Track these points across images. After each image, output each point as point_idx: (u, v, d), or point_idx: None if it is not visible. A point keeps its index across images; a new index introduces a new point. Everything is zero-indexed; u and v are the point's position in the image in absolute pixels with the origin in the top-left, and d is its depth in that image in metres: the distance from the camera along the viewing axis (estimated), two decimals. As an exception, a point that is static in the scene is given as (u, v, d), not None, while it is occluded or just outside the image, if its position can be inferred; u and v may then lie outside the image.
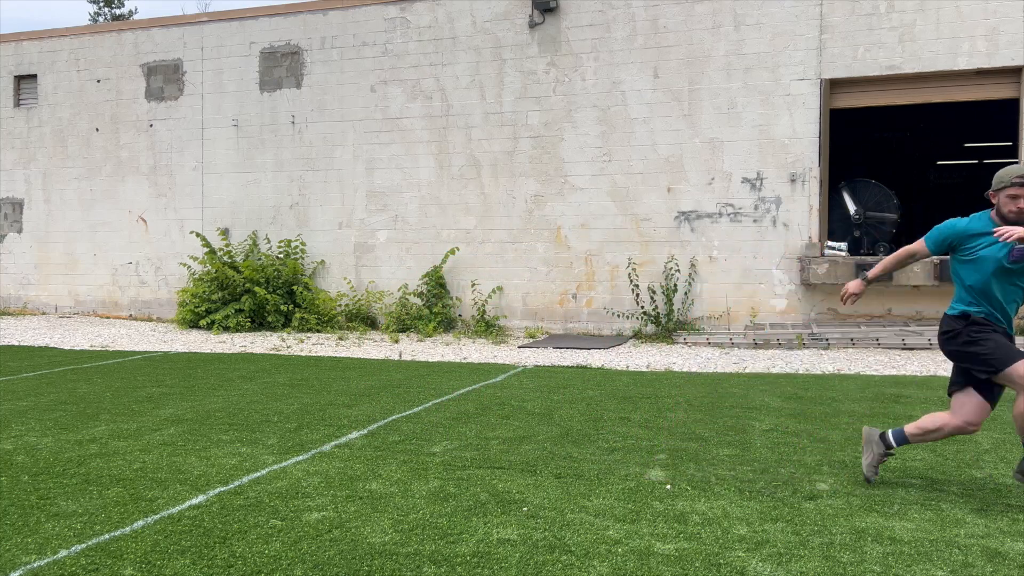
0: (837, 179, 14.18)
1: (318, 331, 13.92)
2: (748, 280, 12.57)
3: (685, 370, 9.69)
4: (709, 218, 12.74)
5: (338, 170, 14.78)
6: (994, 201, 4.38)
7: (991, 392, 4.37)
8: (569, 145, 13.38)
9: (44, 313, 16.90)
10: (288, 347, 11.99)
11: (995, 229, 4.10)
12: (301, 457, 5.53)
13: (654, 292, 12.87)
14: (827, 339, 11.48)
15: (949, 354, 4.47)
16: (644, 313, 12.77)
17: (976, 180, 21.09)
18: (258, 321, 14.31)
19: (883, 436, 4.72)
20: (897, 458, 5.43)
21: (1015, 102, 11.94)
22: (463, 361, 10.56)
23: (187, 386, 8.49)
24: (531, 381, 8.75)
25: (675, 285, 12.77)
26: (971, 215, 4.50)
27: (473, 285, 13.91)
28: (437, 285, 13.93)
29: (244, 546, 3.89)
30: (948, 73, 11.80)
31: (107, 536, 4.02)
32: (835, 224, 13.18)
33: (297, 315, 13.98)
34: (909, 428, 4.64)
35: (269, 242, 15.07)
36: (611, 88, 13.15)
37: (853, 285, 4.72)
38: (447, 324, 13.91)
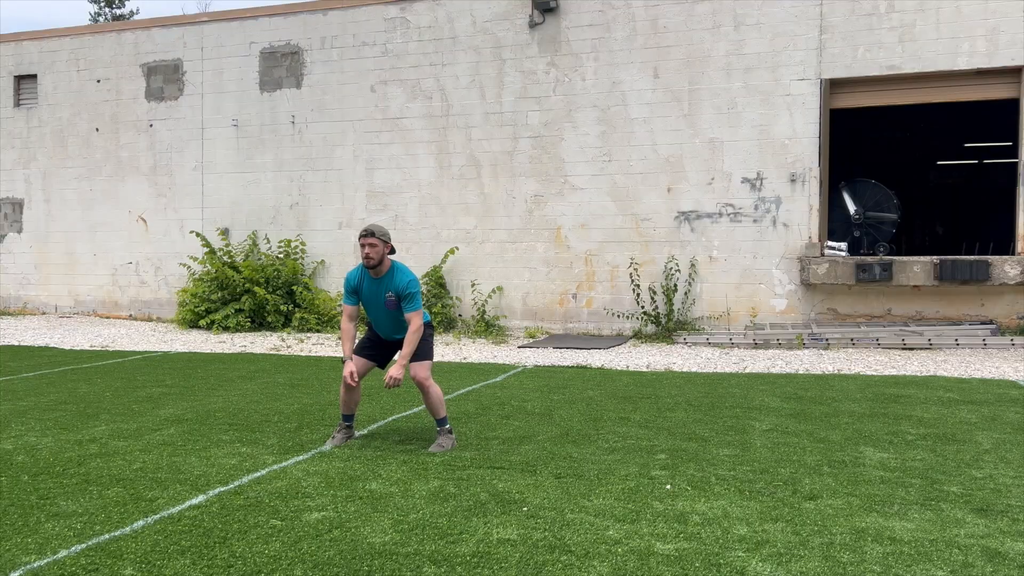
0: (837, 179, 14.18)
1: (318, 331, 13.92)
2: (748, 280, 12.57)
3: (685, 370, 9.69)
4: (709, 218, 12.74)
5: (338, 170, 14.78)
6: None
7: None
8: (569, 145, 13.38)
9: (44, 313, 16.90)
10: (288, 347, 11.99)
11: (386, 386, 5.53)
12: (301, 457, 5.53)
13: (654, 292, 12.87)
14: (827, 339, 11.48)
15: None
16: (644, 313, 12.77)
17: (976, 180, 21.10)
18: (258, 321, 14.31)
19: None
20: (897, 458, 5.43)
21: (1015, 102, 11.94)
22: (463, 361, 10.56)
23: (187, 386, 8.49)
24: (531, 381, 8.75)
25: (675, 285, 12.77)
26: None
27: (473, 285, 13.91)
28: (437, 285, 13.93)
29: (244, 546, 3.89)
30: (948, 73, 11.80)
31: (107, 536, 4.02)
32: (835, 224, 13.18)
33: (297, 315, 13.98)
34: None
35: (269, 242, 15.07)
36: (611, 88, 13.15)
37: (398, 372, 5.53)
38: (447, 324, 13.92)
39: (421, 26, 14.21)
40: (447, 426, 5.76)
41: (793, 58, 12.29)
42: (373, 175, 14.56)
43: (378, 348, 5.94)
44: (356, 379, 5.64)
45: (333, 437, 5.91)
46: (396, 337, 5.85)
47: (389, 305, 5.68)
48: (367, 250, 5.60)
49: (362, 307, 5.93)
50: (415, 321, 5.61)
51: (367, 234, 5.60)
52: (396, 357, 5.83)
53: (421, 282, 14.02)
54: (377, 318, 5.82)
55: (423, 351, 5.71)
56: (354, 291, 5.81)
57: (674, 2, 12.83)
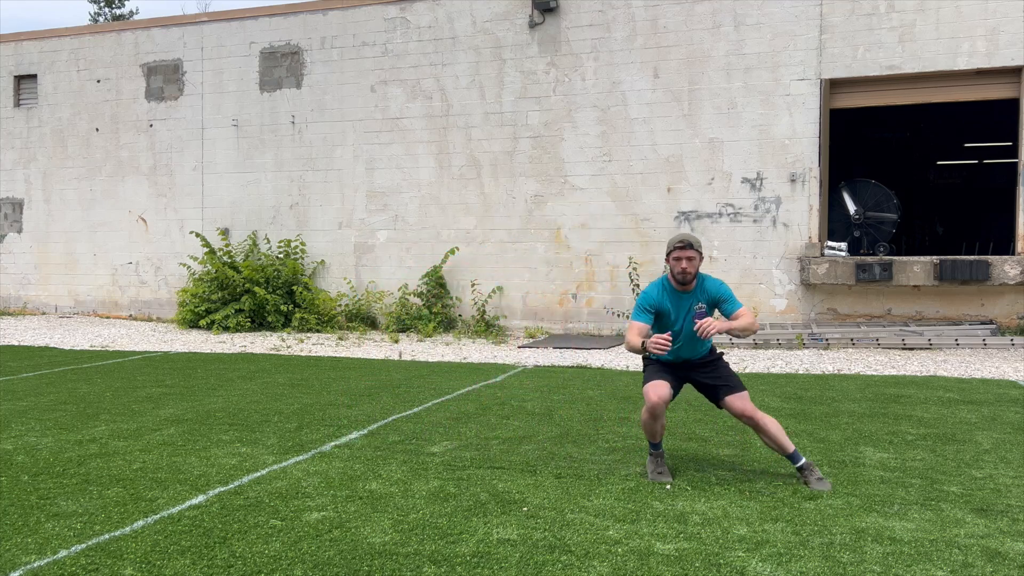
0: (837, 179, 14.18)
1: (318, 331, 13.92)
2: (748, 280, 12.57)
3: (685, 370, 9.67)
4: (709, 218, 12.74)
5: (338, 170, 14.78)
6: (667, 264, 4.98)
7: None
8: (569, 145, 13.38)
9: (44, 313, 16.90)
10: (288, 347, 11.99)
11: (695, 325, 4.72)
12: (301, 457, 5.53)
13: (654, 292, 12.86)
14: (827, 339, 11.48)
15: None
16: (644, 313, 12.75)
17: (976, 180, 21.10)
18: (258, 321, 14.31)
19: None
20: (897, 458, 5.43)
21: (1015, 102, 11.94)
22: (463, 361, 10.56)
23: (187, 386, 8.49)
24: (531, 381, 8.75)
25: (675, 285, 12.75)
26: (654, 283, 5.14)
27: (473, 285, 13.91)
28: (437, 285, 13.93)
29: (244, 546, 3.89)
30: (948, 73, 11.80)
31: (107, 536, 4.02)
32: (835, 224, 13.18)
33: (297, 315, 13.98)
34: None
35: (269, 242, 15.07)
36: (611, 88, 13.15)
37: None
38: (447, 324, 13.92)
39: (421, 26, 14.21)
40: (805, 460, 4.88)
41: (793, 58, 12.29)
42: (373, 175, 14.56)
43: (673, 378, 5.02)
44: (668, 342, 4.71)
45: (659, 472, 4.99)
46: (701, 355, 5.06)
47: (698, 317, 4.86)
48: (684, 264, 4.83)
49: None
50: (748, 315, 4.85)
51: (685, 245, 4.82)
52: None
53: (421, 282, 14.04)
54: (679, 339, 4.98)
55: (737, 380, 4.95)
56: (655, 308, 4.97)
57: (674, 2, 12.83)
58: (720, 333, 4.69)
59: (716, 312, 5.06)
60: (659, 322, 5.02)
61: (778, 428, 4.82)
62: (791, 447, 4.85)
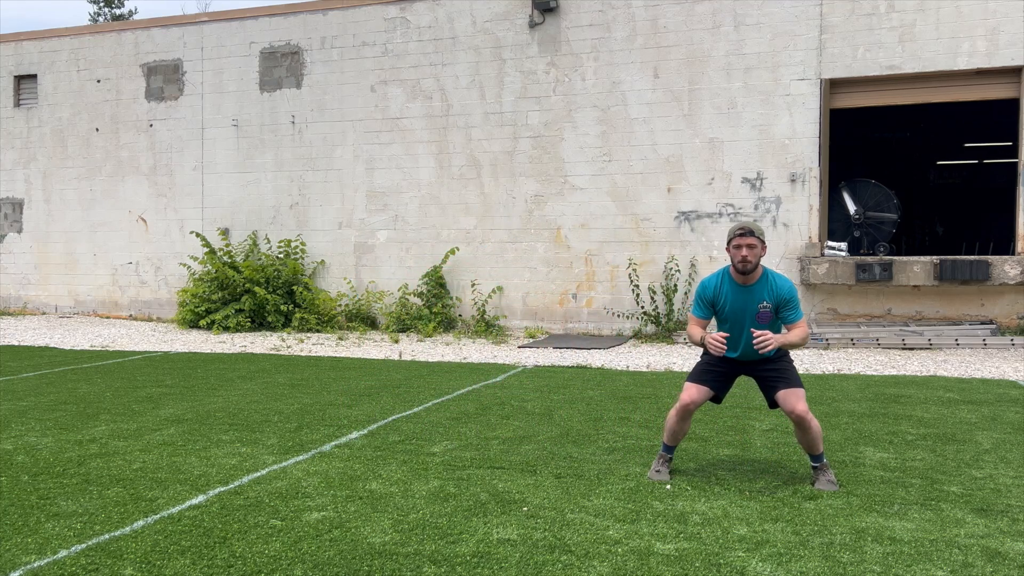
0: (837, 179, 14.18)
1: (318, 331, 13.92)
2: (748, 280, 12.56)
3: (685, 370, 9.68)
4: (709, 218, 12.74)
5: (338, 170, 14.78)
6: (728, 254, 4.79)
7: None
8: (569, 145, 13.38)
9: (44, 313, 16.90)
10: (288, 347, 11.99)
11: (754, 336, 4.58)
12: (301, 457, 5.53)
13: (654, 292, 12.87)
14: (827, 339, 11.47)
15: None
16: (644, 313, 12.77)
17: (976, 180, 21.10)
18: (258, 321, 14.31)
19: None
20: (897, 458, 5.43)
21: (1015, 102, 11.94)
22: (463, 361, 10.56)
23: (187, 386, 8.49)
24: (531, 381, 8.75)
25: (675, 285, 12.77)
26: (714, 274, 4.95)
27: (473, 285, 13.91)
28: (437, 285, 13.93)
29: (244, 546, 3.89)
30: (948, 73, 11.80)
31: (107, 536, 4.02)
32: (835, 224, 13.19)
33: (297, 315, 13.98)
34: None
35: (269, 242, 15.07)
36: (611, 88, 13.15)
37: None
38: (447, 324, 13.92)
39: (421, 26, 14.21)
40: (825, 461, 4.85)
41: (793, 58, 12.29)
42: (373, 175, 14.56)
43: (722, 379, 4.92)
44: (724, 343, 4.60)
45: (659, 471, 4.99)
46: (767, 355, 4.77)
47: (762, 318, 4.68)
48: (744, 252, 4.59)
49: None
50: (803, 328, 4.68)
51: (745, 232, 4.60)
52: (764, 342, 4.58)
53: (421, 282, 14.04)
54: (739, 335, 4.78)
55: (796, 377, 4.76)
56: (711, 303, 4.81)
57: (674, 2, 12.83)
58: (777, 347, 4.54)
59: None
60: (719, 316, 4.84)
61: (819, 432, 4.73)
62: (820, 449, 4.78)
